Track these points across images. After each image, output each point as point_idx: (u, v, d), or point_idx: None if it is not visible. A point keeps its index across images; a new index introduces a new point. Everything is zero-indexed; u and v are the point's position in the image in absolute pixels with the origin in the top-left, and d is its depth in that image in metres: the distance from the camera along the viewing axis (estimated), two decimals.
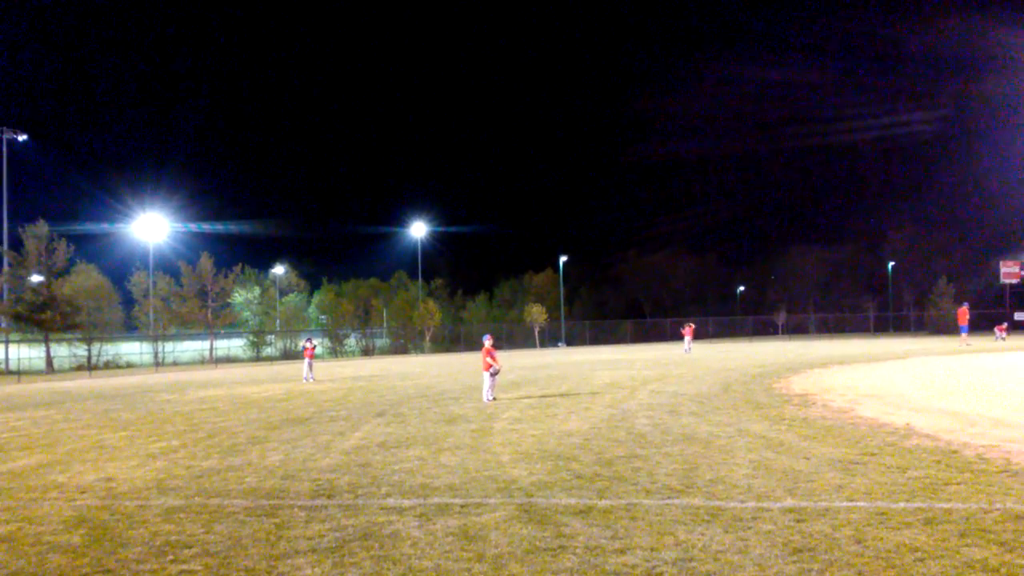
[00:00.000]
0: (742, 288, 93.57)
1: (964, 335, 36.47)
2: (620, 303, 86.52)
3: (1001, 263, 63.77)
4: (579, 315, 71.59)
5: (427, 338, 55.68)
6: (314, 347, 25.89)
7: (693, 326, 38.43)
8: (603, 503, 6.54)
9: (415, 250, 61.25)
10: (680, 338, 38.54)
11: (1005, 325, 42.81)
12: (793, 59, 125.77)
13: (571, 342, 61.36)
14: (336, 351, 53.29)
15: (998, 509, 5.96)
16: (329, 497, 7.13)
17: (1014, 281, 63.02)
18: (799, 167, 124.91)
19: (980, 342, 39.05)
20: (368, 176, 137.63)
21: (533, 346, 58.62)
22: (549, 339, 61.75)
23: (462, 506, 6.59)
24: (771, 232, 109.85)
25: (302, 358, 24.82)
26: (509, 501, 6.72)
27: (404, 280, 67.10)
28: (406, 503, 6.78)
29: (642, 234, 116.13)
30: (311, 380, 23.65)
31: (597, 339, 62.92)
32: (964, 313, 36.96)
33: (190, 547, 5.66)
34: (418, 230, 60.89)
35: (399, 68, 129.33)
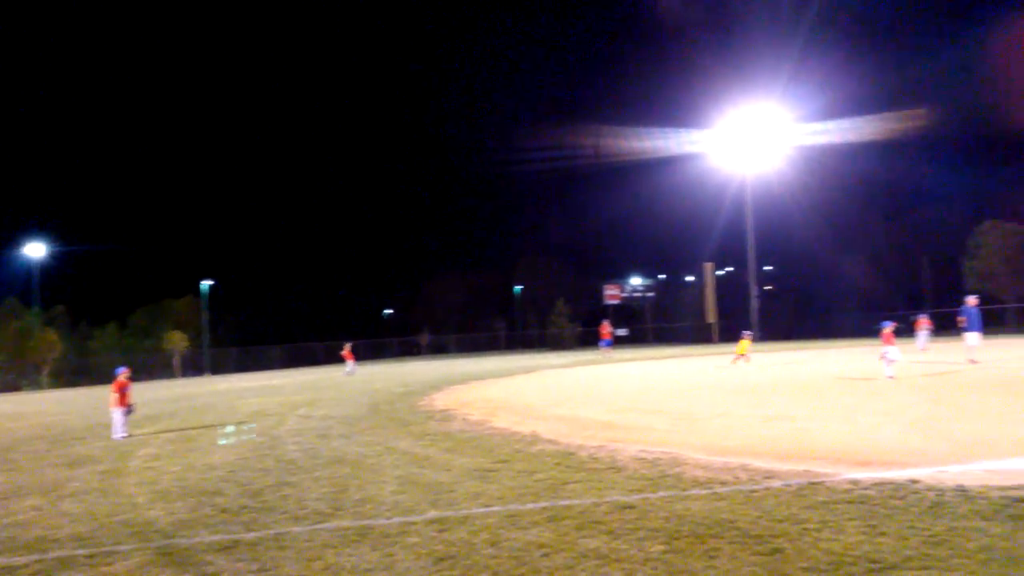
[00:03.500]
0: (389, 311, 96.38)
1: (605, 348, 40.33)
2: (269, 327, 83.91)
3: (605, 287, 73.72)
4: (225, 341, 67.90)
5: (45, 372, 48.91)
6: None
7: (349, 346, 37.99)
8: (250, 536, 6.34)
9: (30, 274, 53.56)
10: (341, 360, 38.03)
11: (610, 335, 48.92)
12: (427, 93, 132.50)
13: (217, 370, 57.97)
14: None
15: (607, 502, 6.85)
16: None
17: (615, 302, 73.12)
18: (438, 198, 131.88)
19: (589, 355, 44.36)
20: None
21: (173, 376, 54.46)
22: (192, 368, 57.74)
23: (89, 556, 5.96)
24: (415, 258, 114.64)
25: None
26: (145, 546, 6.22)
27: (15, 307, 58.11)
28: (19, 561, 5.94)
29: (291, 257, 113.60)
30: None
31: (245, 366, 60.26)
32: (605, 327, 40.97)
33: None
34: (35, 251, 53.30)
35: (12, 61, 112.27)
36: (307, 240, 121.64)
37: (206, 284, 61.78)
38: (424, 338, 78.21)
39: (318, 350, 63.43)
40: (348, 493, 7.83)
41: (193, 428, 15.10)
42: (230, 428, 9.43)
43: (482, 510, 6.78)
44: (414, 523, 6.44)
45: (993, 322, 47.94)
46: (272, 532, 6.41)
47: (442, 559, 5.41)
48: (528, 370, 31.64)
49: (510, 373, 29.88)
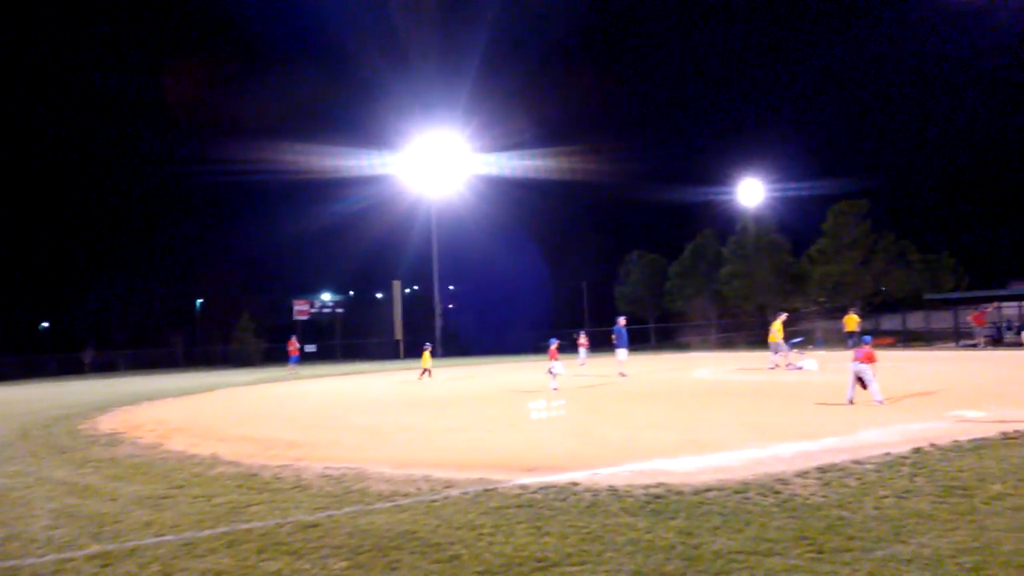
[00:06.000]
0: (46, 324, 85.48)
1: (293, 364, 40.21)
2: None
3: (294, 302, 72.12)
4: None
5: None
6: None
7: None
8: None
9: None
10: None
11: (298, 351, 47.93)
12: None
13: None
14: None
15: (291, 522, 6.78)
16: None
17: (304, 318, 71.75)
18: (108, 203, 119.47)
19: (276, 372, 43.02)
20: None
21: None
22: None
23: None
24: (79, 266, 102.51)
25: None
26: None
27: None
28: None
29: None
30: None
31: None
32: (293, 343, 41.18)
33: None
34: None
35: None
36: None
37: None
38: (89, 354, 70.13)
39: None
40: None
41: None
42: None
43: (153, 540, 6.36)
44: (72, 559, 5.87)
45: (638, 340, 54.62)
46: None
47: None
48: (209, 388, 29.89)
49: (188, 392, 27.98)
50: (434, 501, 7.34)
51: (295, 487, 8.38)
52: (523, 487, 7.75)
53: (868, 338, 14.45)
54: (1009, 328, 36.03)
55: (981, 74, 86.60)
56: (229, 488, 8.48)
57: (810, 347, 33.04)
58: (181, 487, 8.67)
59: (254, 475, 9.24)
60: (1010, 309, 38.35)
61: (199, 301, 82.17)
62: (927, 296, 43.72)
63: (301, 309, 71.77)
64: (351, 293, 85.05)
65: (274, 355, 62.13)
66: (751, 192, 54.93)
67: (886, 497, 6.70)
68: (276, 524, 6.71)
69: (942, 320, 42.53)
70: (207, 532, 6.55)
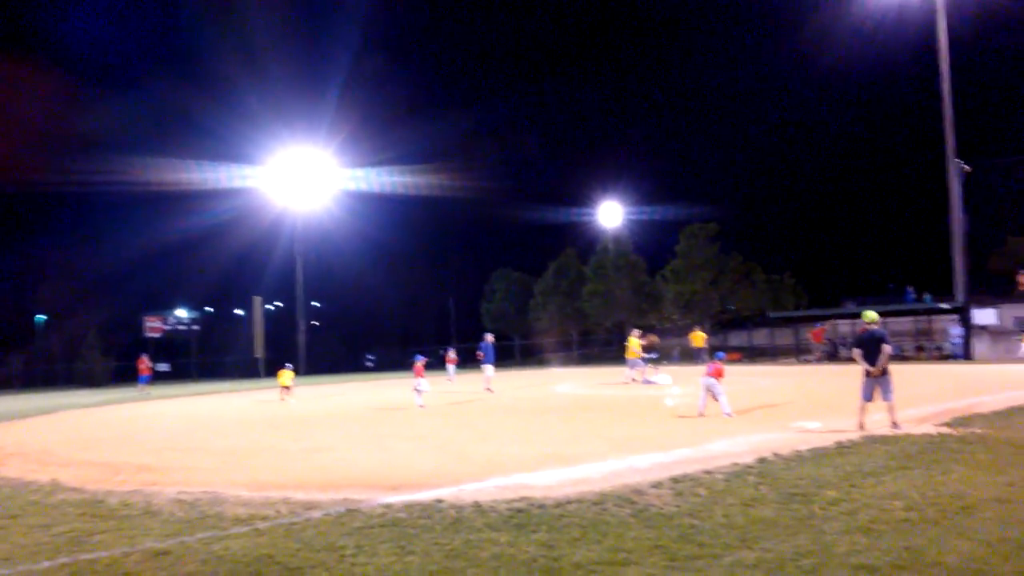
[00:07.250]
0: None
1: (144, 384, 37.95)
2: None
3: (146, 319, 68.49)
4: None
5: None
6: None
7: None
8: None
9: None
10: None
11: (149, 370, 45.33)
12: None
13: None
14: None
15: (139, 550, 6.45)
16: None
17: (157, 335, 68.30)
18: None
19: (125, 392, 40.62)
20: None
21: None
22: None
23: None
24: None
25: None
26: None
27: None
28: None
29: None
30: None
31: None
32: (144, 362, 39.05)
33: None
34: None
35: None
36: None
37: None
38: None
39: None
40: None
41: None
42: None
43: None
44: None
45: (504, 356, 55.32)
46: None
47: None
48: (50, 410, 27.83)
49: (26, 414, 25.94)
50: (294, 524, 7.17)
51: (145, 513, 7.97)
52: (387, 506, 7.70)
53: (721, 354, 15.27)
54: (843, 344, 38.78)
55: (820, 109, 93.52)
56: (71, 516, 7.96)
57: (664, 362, 34.48)
58: (16, 516, 8.07)
59: (100, 502, 8.71)
60: (844, 326, 41.28)
61: (41, 317, 76.52)
62: (771, 314, 46.59)
63: (153, 326, 68.33)
64: (208, 309, 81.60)
65: (123, 374, 58.68)
66: (611, 214, 56.96)
67: (734, 505, 7.10)
68: (123, 553, 6.37)
69: (784, 336, 45.45)
70: (45, 564, 6.14)
